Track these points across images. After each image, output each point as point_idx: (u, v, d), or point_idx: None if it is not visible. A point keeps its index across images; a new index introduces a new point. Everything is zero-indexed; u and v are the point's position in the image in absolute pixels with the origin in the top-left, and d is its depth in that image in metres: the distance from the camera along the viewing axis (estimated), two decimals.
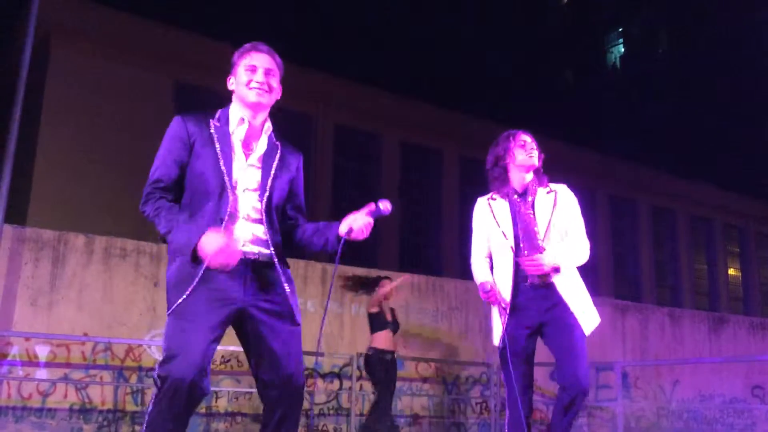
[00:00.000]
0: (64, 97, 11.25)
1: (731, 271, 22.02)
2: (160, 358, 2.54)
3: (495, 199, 3.72)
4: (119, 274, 8.19)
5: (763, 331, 13.35)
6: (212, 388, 8.28)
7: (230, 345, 8.10)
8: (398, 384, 9.38)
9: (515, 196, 3.65)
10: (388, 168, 15.63)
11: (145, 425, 2.53)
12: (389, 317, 7.48)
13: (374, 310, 7.41)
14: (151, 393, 8.11)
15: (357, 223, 2.75)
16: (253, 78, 2.77)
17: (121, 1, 14.14)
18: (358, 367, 8.24)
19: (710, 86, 28.77)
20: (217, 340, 2.60)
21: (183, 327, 2.53)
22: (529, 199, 3.62)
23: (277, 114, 2.93)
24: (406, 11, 27.90)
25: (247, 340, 2.69)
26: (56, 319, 7.74)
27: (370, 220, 2.78)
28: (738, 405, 12.00)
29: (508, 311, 3.58)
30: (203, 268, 2.54)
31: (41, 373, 7.59)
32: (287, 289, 2.70)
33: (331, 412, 8.86)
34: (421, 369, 9.83)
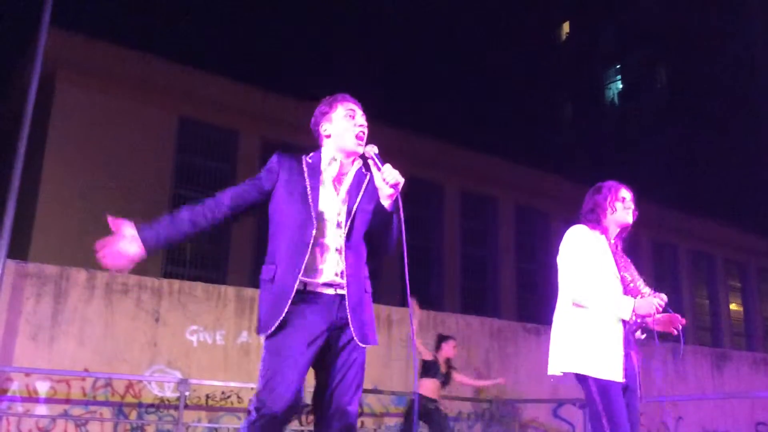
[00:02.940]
0: (68, 132, 11.33)
1: (733, 307, 21.94)
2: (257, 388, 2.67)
3: (596, 234, 3.57)
4: (120, 310, 8.18)
5: (766, 367, 13.27)
6: (211, 425, 8.21)
7: (230, 381, 8.08)
8: (400, 420, 9.33)
9: (611, 240, 3.58)
10: None
11: None
12: (443, 369, 7.56)
13: (429, 357, 7.55)
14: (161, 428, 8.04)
15: (389, 177, 2.77)
16: (354, 123, 2.95)
17: (126, 38, 14.34)
18: (360, 405, 8.18)
19: (709, 122, 28.96)
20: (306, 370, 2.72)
21: (278, 360, 2.65)
22: (623, 253, 3.62)
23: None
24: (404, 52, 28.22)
25: (319, 372, 2.78)
26: (57, 355, 7.71)
27: (388, 167, 2.81)
28: None
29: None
30: (293, 293, 2.67)
31: (41, 409, 7.53)
32: (361, 319, 2.78)
33: None
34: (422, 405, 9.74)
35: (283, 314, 2.66)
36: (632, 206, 3.65)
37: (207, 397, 8.37)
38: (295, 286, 2.68)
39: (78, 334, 7.88)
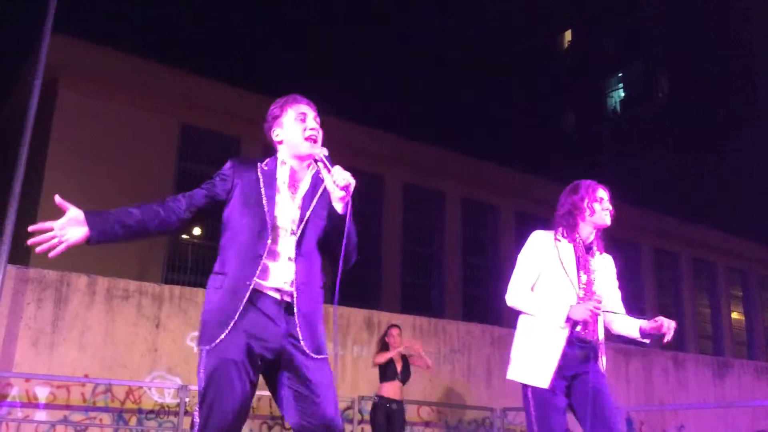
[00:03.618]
0: (70, 138, 11.34)
1: (734, 315, 21.89)
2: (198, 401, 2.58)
3: (560, 240, 3.56)
4: (121, 315, 8.18)
5: None
6: None
7: None
8: None
9: (581, 244, 3.55)
10: (390, 209, 15.69)
11: None
12: (399, 367, 7.48)
13: (382, 361, 7.43)
14: None
15: (339, 178, 2.64)
16: (305, 126, 2.84)
17: (128, 44, 14.38)
18: (360, 411, 8.17)
19: (710, 130, 28.98)
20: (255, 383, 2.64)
21: (223, 365, 2.56)
22: (594, 256, 3.57)
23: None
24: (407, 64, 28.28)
25: (279, 379, 2.68)
26: (57, 360, 7.70)
27: (338, 168, 2.68)
28: None
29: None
30: (244, 303, 2.59)
31: (40, 415, 7.52)
32: (313, 328, 2.69)
33: None
34: (424, 413, 9.73)
35: (232, 322, 2.57)
36: (610, 207, 3.58)
37: None
38: (245, 298, 2.60)
39: (78, 340, 7.87)
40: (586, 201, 3.56)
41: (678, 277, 20.60)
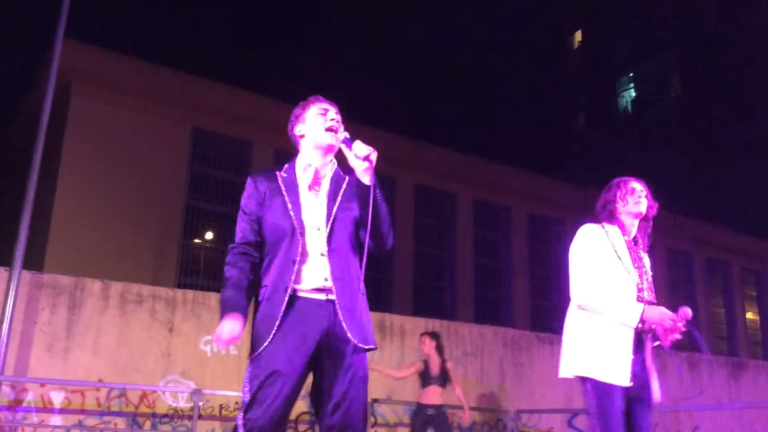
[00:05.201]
0: (83, 144, 11.41)
1: (749, 315, 21.74)
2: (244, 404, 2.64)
3: (607, 230, 3.49)
4: (135, 320, 8.21)
5: None
6: None
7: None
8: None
9: (630, 241, 3.52)
10: (401, 212, 15.68)
11: None
12: (434, 372, 7.49)
13: (404, 375, 7.56)
14: None
15: (360, 150, 2.72)
16: (327, 118, 2.93)
17: (140, 50, 14.45)
18: (373, 414, 8.17)
19: (723, 129, 28.80)
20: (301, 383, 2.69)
21: (264, 374, 2.62)
22: (643, 247, 3.55)
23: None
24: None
25: (318, 381, 2.74)
26: (72, 365, 7.74)
27: (358, 142, 2.76)
28: None
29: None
30: (283, 308, 2.66)
31: (56, 420, 7.56)
32: (357, 319, 2.72)
33: None
34: None
35: (275, 327, 2.65)
36: (643, 196, 3.57)
37: (221, 407, 8.38)
38: (284, 303, 2.67)
39: (92, 345, 7.91)
40: (619, 194, 3.58)
41: (692, 278, 20.48)
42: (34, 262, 9.87)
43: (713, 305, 20.94)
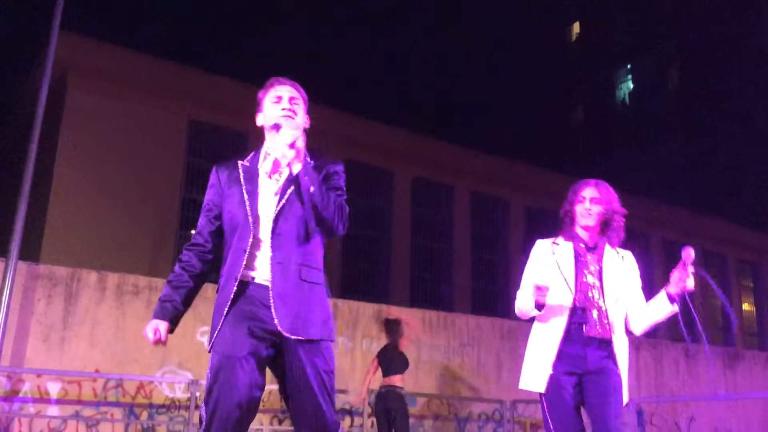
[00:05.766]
0: (79, 135, 11.39)
1: (745, 306, 21.81)
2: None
3: (558, 244, 3.60)
4: (131, 311, 8.22)
5: None
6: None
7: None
8: (411, 420, 9.33)
9: (581, 245, 3.55)
10: (399, 204, 15.69)
11: None
12: (397, 358, 7.56)
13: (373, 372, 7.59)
14: (162, 430, 8.07)
15: (288, 138, 2.64)
16: (280, 106, 2.86)
17: (136, 42, 14.42)
18: (369, 404, 8.18)
19: (720, 122, 28.82)
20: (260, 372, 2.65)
21: (224, 359, 2.61)
22: (597, 253, 3.54)
23: None
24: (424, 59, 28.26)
25: (281, 370, 2.70)
26: (68, 356, 7.75)
27: (285, 129, 2.67)
28: None
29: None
30: (232, 296, 2.65)
31: (52, 410, 7.58)
32: (288, 309, 2.62)
33: None
34: (434, 406, 9.75)
35: (223, 317, 2.64)
36: (590, 207, 3.52)
37: None
38: (233, 292, 2.65)
39: (89, 336, 7.92)
40: (574, 203, 3.59)
41: None
42: (31, 253, 9.87)
43: (709, 296, 21.00)
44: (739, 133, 28.35)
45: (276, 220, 2.71)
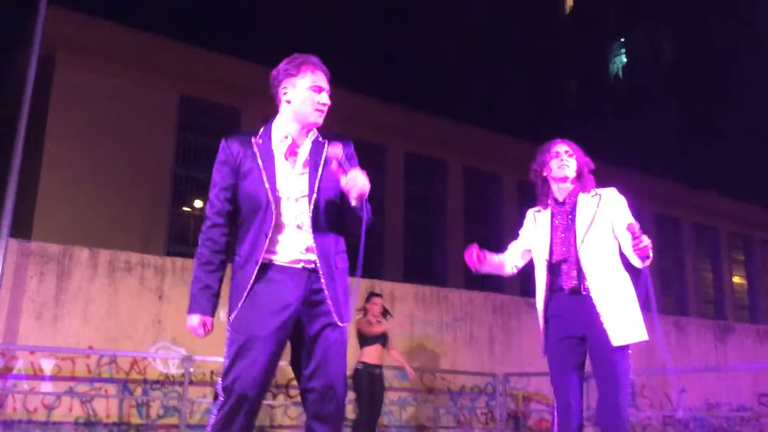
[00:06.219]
0: (69, 111, 11.31)
1: (736, 279, 21.95)
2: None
3: (540, 211, 3.73)
4: (124, 288, 8.22)
5: None
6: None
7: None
8: (404, 394, 9.40)
9: (555, 203, 3.65)
10: (392, 179, 15.67)
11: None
12: (378, 331, 7.55)
13: (365, 328, 7.53)
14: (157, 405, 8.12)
15: (356, 181, 2.66)
16: (319, 99, 2.81)
17: (126, 17, 14.25)
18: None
19: (713, 96, 28.78)
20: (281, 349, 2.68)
21: (244, 339, 2.62)
22: (569, 206, 3.61)
23: None
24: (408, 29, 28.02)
25: (297, 348, 2.75)
26: (61, 333, 7.77)
27: (353, 174, 2.67)
28: (745, 413, 11.93)
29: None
30: (253, 278, 2.65)
31: (46, 387, 7.61)
32: (335, 294, 2.72)
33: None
34: (427, 380, 9.82)
35: (243, 298, 2.64)
36: (569, 156, 3.62)
37: (212, 373, 8.43)
38: (254, 274, 2.65)
39: (82, 313, 7.93)
40: (545, 162, 3.66)
41: (680, 243, 20.61)
42: (22, 230, 9.84)
43: (701, 270, 21.12)
44: (732, 107, 28.33)
45: (315, 209, 2.73)
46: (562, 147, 3.67)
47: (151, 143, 12.02)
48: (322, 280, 2.69)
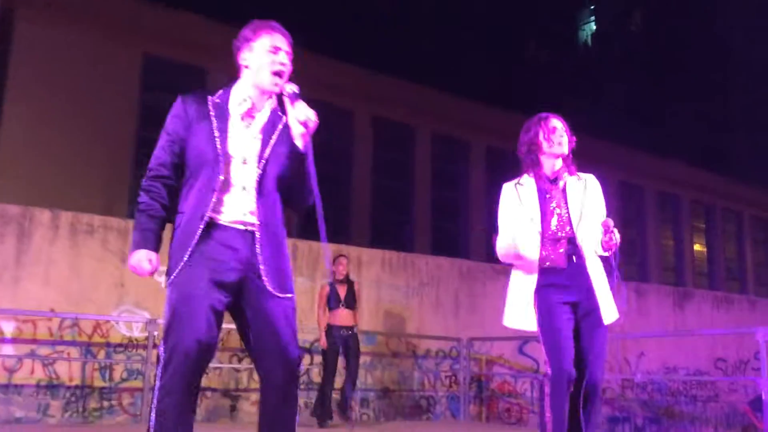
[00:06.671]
0: (29, 70, 11.02)
1: (697, 247, 22.39)
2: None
3: (522, 184, 3.67)
4: (86, 250, 8.10)
5: (727, 306, 13.62)
6: None
7: None
8: (370, 358, 9.46)
9: (544, 178, 3.63)
10: (359, 144, 15.59)
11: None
12: (342, 294, 7.60)
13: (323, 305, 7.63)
14: (122, 368, 8.07)
15: (300, 113, 2.65)
16: (276, 59, 2.75)
17: None
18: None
19: (680, 64, 29.01)
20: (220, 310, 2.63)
21: (183, 299, 2.57)
22: (561, 184, 3.61)
23: None
24: None
25: (243, 313, 2.68)
26: (22, 295, 7.64)
27: (301, 103, 2.67)
28: (701, 377, 12.25)
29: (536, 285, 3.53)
30: (198, 234, 2.59)
31: (7, 349, 7.50)
32: (275, 262, 2.66)
33: (302, 387, 8.89)
34: (392, 344, 9.89)
35: (187, 255, 2.58)
36: (563, 134, 3.63)
37: None
38: (200, 230, 2.59)
39: (43, 275, 7.80)
40: (541, 134, 3.63)
41: (643, 210, 20.93)
42: None
43: (663, 237, 21.49)
44: (699, 76, 28.60)
45: (263, 174, 2.68)
46: (558, 123, 3.66)
47: (114, 103, 11.78)
48: (260, 245, 2.63)
